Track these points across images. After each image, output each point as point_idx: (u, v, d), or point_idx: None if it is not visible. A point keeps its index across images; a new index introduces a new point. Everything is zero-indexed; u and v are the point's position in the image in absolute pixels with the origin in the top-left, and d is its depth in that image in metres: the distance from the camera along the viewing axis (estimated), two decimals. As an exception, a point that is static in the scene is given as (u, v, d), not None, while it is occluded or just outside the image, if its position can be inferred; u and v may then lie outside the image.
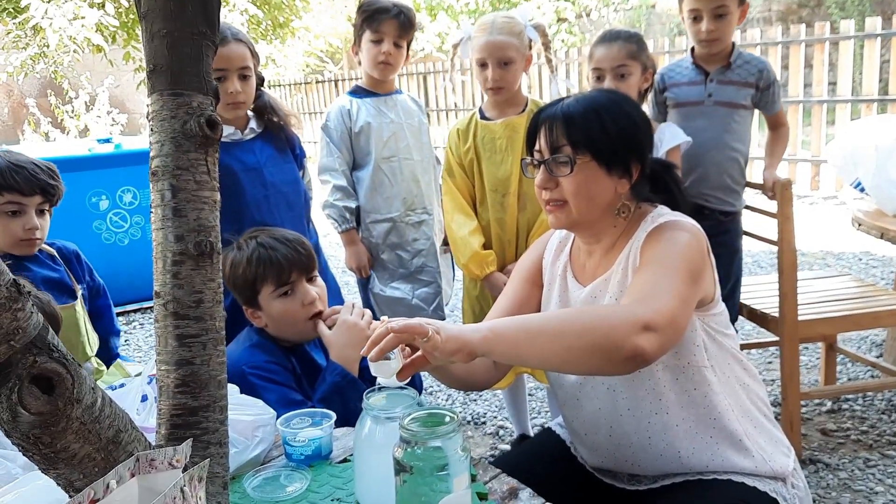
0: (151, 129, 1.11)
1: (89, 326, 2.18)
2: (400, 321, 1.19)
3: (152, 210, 1.11)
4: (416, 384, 1.85)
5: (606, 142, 1.38)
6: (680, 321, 1.25)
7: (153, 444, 1.06)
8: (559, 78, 2.54)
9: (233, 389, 1.49)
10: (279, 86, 13.98)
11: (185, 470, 0.88)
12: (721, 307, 1.43)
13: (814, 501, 2.21)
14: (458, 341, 1.16)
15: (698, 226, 1.39)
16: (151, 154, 1.10)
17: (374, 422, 1.24)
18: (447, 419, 1.12)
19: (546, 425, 1.70)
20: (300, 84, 13.63)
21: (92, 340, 2.19)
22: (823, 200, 6.44)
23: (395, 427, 1.16)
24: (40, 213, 2.02)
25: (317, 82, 13.06)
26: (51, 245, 2.18)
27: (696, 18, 2.42)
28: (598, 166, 1.38)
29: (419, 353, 1.22)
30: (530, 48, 2.34)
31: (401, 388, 1.27)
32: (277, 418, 1.42)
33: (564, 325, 1.19)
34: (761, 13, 11.41)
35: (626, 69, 2.26)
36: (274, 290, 1.69)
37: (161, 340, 1.09)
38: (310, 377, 1.70)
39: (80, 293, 2.16)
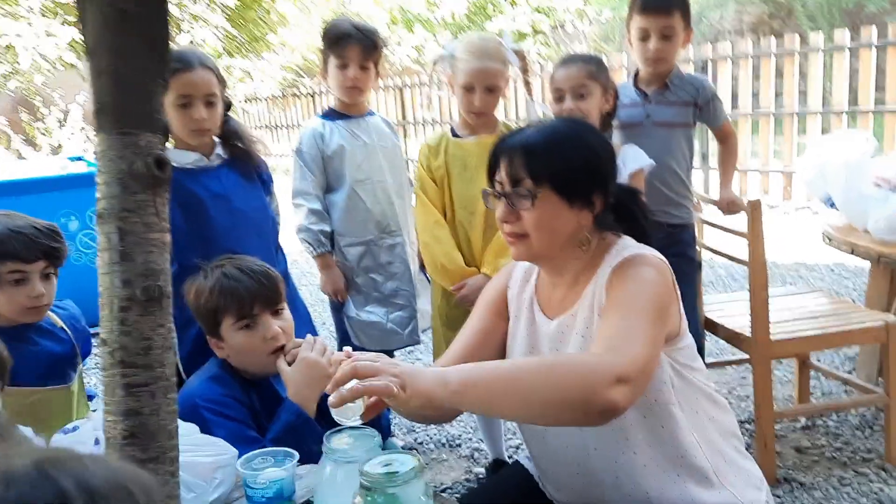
0: (99, 170, 1.08)
1: (83, 400, 2.08)
2: (365, 359, 1.17)
3: (99, 253, 1.07)
4: (383, 424, 1.81)
5: (568, 175, 1.36)
6: (650, 367, 1.24)
7: None
8: (536, 101, 2.54)
9: (191, 429, 1.45)
10: (256, 100, 13.92)
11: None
12: (688, 340, 1.42)
13: (789, 523, 2.20)
14: (424, 397, 1.14)
15: (662, 258, 1.38)
16: (98, 195, 1.07)
17: (335, 465, 1.21)
18: (408, 465, 1.09)
19: (515, 458, 1.67)
20: (277, 98, 13.57)
21: (82, 414, 2.04)
22: (795, 211, 6.48)
23: (355, 470, 1.13)
24: (45, 277, 1.89)
25: (294, 96, 13.01)
26: (57, 309, 2.04)
27: (644, 38, 2.47)
28: (559, 199, 1.36)
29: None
30: (509, 71, 2.36)
31: (362, 427, 1.24)
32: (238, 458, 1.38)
33: (536, 379, 1.16)
34: (733, 24, 11.52)
35: (586, 89, 2.27)
36: (235, 322, 1.65)
37: (108, 390, 1.05)
38: (271, 413, 1.66)
39: (80, 366, 2.06)
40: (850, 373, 3.08)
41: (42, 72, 8.64)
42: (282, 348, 1.65)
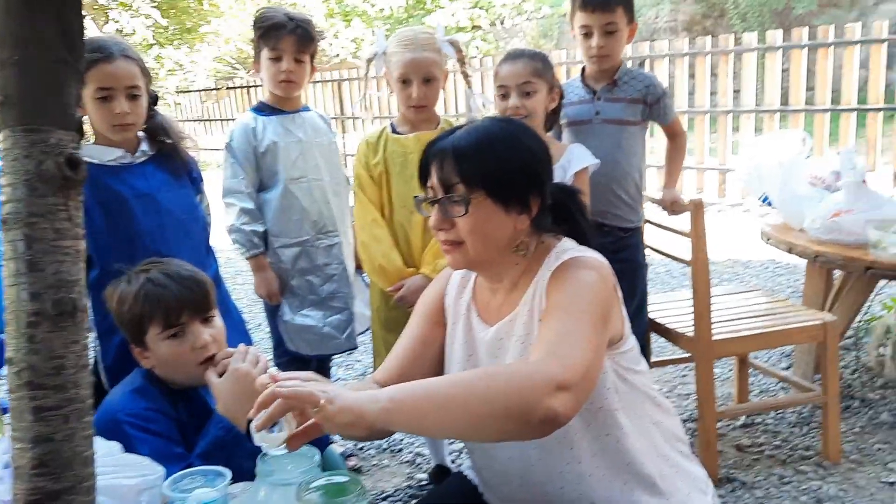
0: (3, 170, 0.97)
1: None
2: (289, 383, 1.09)
3: (3, 263, 0.96)
4: (324, 437, 1.72)
5: (501, 178, 1.30)
6: (593, 373, 1.18)
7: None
8: (476, 93, 2.48)
9: (113, 447, 1.35)
10: (188, 92, 13.54)
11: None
12: (631, 342, 1.38)
13: (732, 523, 2.20)
14: (352, 413, 1.05)
15: (603, 259, 1.34)
16: (3, 199, 0.97)
17: (270, 488, 1.13)
18: (350, 488, 1.02)
19: (458, 469, 1.61)
20: (211, 90, 13.23)
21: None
22: (730, 208, 6.61)
23: (291, 493, 1.05)
24: None
25: (228, 88, 12.71)
26: None
27: (587, 35, 2.44)
28: (493, 204, 1.30)
29: (312, 420, 1.11)
30: (446, 63, 2.30)
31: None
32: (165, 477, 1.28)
33: (472, 391, 1.09)
34: (668, 23, 11.72)
35: (531, 86, 2.22)
36: (162, 331, 1.54)
37: (16, 414, 0.95)
38: (201, 426, 1.55)
39: None
40: (786, 370, 3.12)
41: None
42: (212, 358, 1.55)
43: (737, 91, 6.82)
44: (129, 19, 12.19)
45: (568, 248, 1.36)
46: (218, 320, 1.62)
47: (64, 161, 0.96)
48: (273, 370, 1.24)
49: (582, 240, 1.41)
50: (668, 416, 1.44)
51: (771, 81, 6.46)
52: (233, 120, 12.18)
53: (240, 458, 1.46)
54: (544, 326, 1.23)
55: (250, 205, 2.41)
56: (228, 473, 1.28)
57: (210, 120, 13.12)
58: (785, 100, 6.49)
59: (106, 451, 1.34)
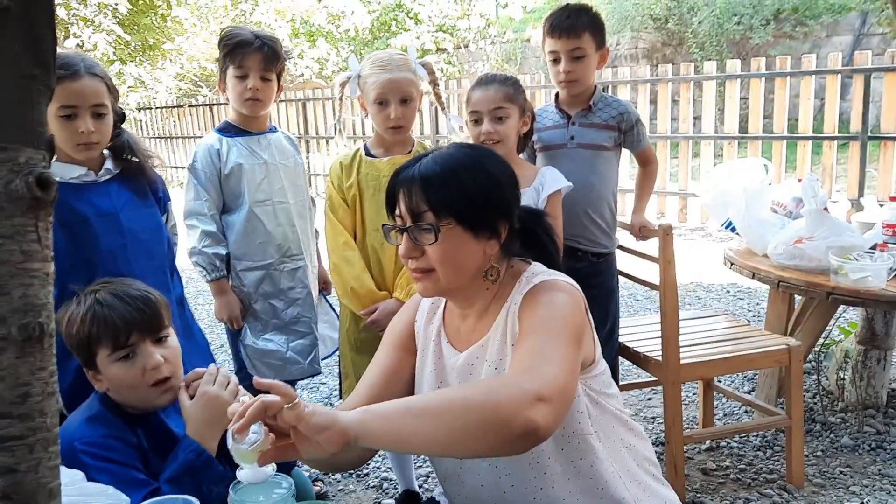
0: (-32, 189, 0.93)
1: None
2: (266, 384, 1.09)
3: (-33, 285, 0.92)
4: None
5: (469, 205, 1.30)
6: (570, 390, 1.19)
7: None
8: (451, 116, 2.48)
9: (76, 476, 1.30)
10: (149, 109, 13.37)
11: None
12: (602, 366, 1.39)
13: (700, 548, 2.21)
14: (326, 416, 1.05)
15: (574, 283, 1.35)
16: (-33, 218, 0.93)
17: (241, 517, 1.09)
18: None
19: (431, 496, 1.59)
20: (172, 108, 13.08)
21: None
22: (691, 232, 6.71)
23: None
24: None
25: (190, 106, 12.57)
26: None
27: (556, 60, 2.47)
28: (463, 231, 1.30)
29: (288, 441, 1.09)
30: (420, 85, 2.30)
31: (274, 474, 1.14)
32: (131, 508, 1.24)
33: (450, 402, 1.09)
34: (629, 50, 11.93)
35: (504, 111, 2.22)
36: (111, 353, 1.48)
37: (-24, 444, 0.91)
38: (161, 451, 1.50)
39: None
40: (750, 393, 3.15)
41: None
42: (166, 380, 1.51)
43: (697, 118, 6.96)
44: (90, 34, 12.02)
45: (538, 272, 1.36)
46: (172, 340, 1.57)
47: (34, 180, 0.93)
48: (244, 396, 1.21)
49: (551, 263, 1.41)
50: (640, 440, 1.45)
51: (730, 109, 6.60)
52: (195, 138, 12.06)
53: (210, 482, 1.42)
54: (519, 347, 1.23)
55: (213, 227, 2.37)
56: (196, 502, 1.24)
57: (171, 137, 12.95)
58: (744, 127, 6.64)
59: (69, 480, 1.29)
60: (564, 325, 1.23)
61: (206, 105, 12.18)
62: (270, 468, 1.12)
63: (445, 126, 2.50)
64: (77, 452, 1.40)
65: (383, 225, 1.40)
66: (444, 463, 1.42)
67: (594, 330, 1.38)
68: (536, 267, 1.39)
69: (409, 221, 1.32)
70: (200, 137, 2.53)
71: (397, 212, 1.35)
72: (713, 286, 5.05)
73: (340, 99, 2.38)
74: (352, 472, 2.78)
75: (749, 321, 3.91)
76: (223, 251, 2.39)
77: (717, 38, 10.65)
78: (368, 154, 2.29)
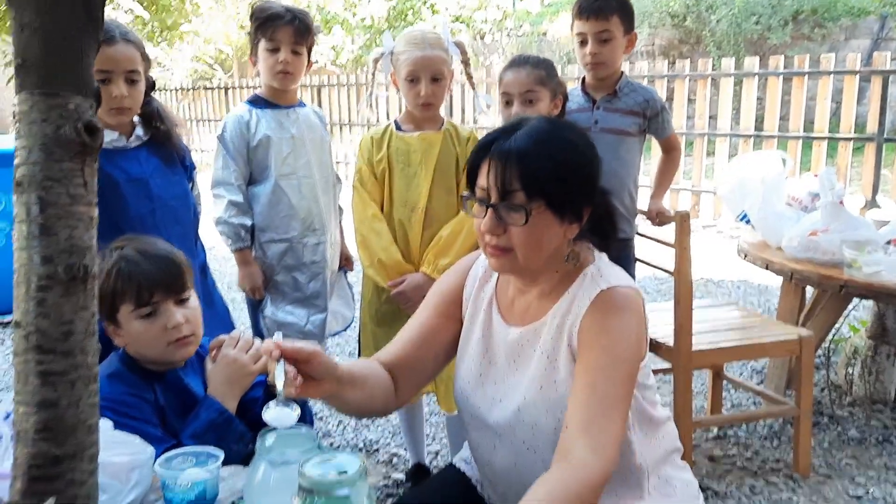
0: (18, 133, 0.97)
1: None
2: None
3: (15, 226, 0.96)
4: (307, 421, 1.72)
5: (562, 188, 1.26)
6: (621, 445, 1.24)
7: (5, 497, 0.91)
8: (480, 94, 2.50)
9: (106, 425, 1.33)
10: (165, 90, 13.41)
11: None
12: (647, 357, 1.39)
13: (705, 531, 2.23)
14: None
15: (635, 286, 1.34)
16: (17, 161, 0.96)
17: (269, 466, 1.12)
18: (352, 466, 1.02)
19: (450, 462, 1.61)
20: (188, 90, 13.11)
21: None
22: (703, 229, 6.72)
23: (291, 472, 1.05)
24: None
25: (205, 89, 12.60)
26: None
27: (583, 42, 2.50)
28: (552, 214, 1.27)
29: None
30: (452, 64, 2.31)
31: (297, 426, 1.17)
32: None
33: None
34: (646, 47, 11.90)
35: (535, 94, 2.24)
36: (134, 309, 1.52)
37: (21, 378, 0.94)
38: (178, 409, 1.53)
39: None
40: (759, 384, 3.17)
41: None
42: (184, 339, 1.54)
43: (713, 116, 6.95)
44: (109, 11, 12.05)
45: (604, 269, 1.34)
46: (193, 301, 1.60)
47: (83, 126, 0.96)
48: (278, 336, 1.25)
49: (606, 248, 1.41)
50: (668, 427, 1.46)
51: (746, 107, 6.59)
52: (209, 121, 12.07)
53: (230, 440, 1.46)
54: (582, 385, 1.23)
55: (239, 198, 2.40)
56: (221, 454, 1.28)
57: (186, 120, 12.98)
58: (760, 126, 6.63)
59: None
60: (626, 362, 1.25)
61: (221, 88, 12.21)
62: (295, 413, 1.15)
63: (474, 105, 2.50)
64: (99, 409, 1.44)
65: (462, 195, 1.36)
66: (482, 433, 1.43)
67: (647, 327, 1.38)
68: (601, 261, 1.37)
69: (496, 197, 1.27)
70: (215, 120, 2.56)
71: (480, 184, 1.30)
72: (724, 282, 5.06)
73: (373, 75, 2.40)
74: (362, 447, 2.83)
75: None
76: (248, 221, 2.42)
77: (735, 37, 10.62)
78: (399, 129, 2.30)
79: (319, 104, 10.36)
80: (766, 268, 2.83)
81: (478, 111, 2.45)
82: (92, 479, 0.96)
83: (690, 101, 7.06)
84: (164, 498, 1.25)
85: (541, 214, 1.26)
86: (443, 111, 2.35)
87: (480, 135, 1.55)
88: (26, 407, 0.93)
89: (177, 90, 13.30)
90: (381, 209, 2.29)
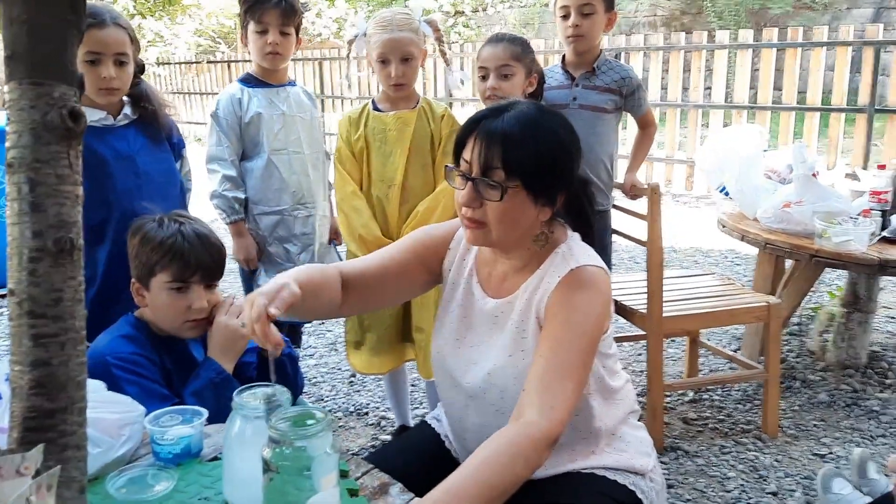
0: (9, 119, 1.07)
1: None
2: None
3: (7, 203, 1.06)
4: (298, 383, 1.85)
5: (539, 173, 1.34)
6: (574, 409, 1.30)
7: (4, 447, 1.03)
8: (454, 69, 2.59)
9: (98, 385, 1.44)
10: (168, 64, 13.45)
11: (35, 477, 0.86)
12: (610, 329, 1.48)
13: (672, 487, 2.35)
14: None
15: (605, 267, 1.41)
16: (8, 144, 1.06)
17: (243, 420, 1.24)
18: (314, 419, 1.13)
19: (423, 419, 1.73)
20: (191, 63, 13.15)
21: None
22: (696, 200, 6.79)
23: (263, 425, 1.16)
24: None
25: (208, 62, 12.64)
26: None
27: (565, 16, 2.58)
28: (526, 195, 1.35)
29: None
30: (424, 43, 2.40)
31: (272, 385, 1.27)
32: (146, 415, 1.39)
33: (493, 489, 1.18)
34: (647, 17, 11.88)
35: (510, 69, 2.34)
36: (170, 280, 1.66)
37: (15, 340, 1.05)
38: (182, 372, 1.67)
39: None
40: (735, 351, 3.28)
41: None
42: (200, 321, 1.67)
43: (708, 87, 6.99)
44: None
45: (575, 248, 1.43)
46: (218, 290, 1.74)
47: (67, 113, 1.06)
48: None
49: (586, 229, 1.49)
50: (626, 391, 1.55)
51: (741, 79, 6.63)
52: (212, 94, 12.09)
53: (227, 398, 1.58)
54: (542, 352, 1.32)
55: (232, 172, 2.51)
56: (205, 413, 1.40)
57: (189, 93, 13.03)
58: (754, 98, 6.67)
59: (91, 389, 1.44)
60: (586, 336, 1.33)
61: (224, 62, 12.25)
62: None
63: (448, 80, 2.60)
64: (109, 366, 1.56)
65: (447, 166, 1.43)
66: (453, 395, 1.52)
67: (613, 303, 1.46)
68: (573, 240, 1.45)
69: (477, 172, 1.35)
70: (218, 94, 2.65)
71: (465, 156, 1.38)
72: (712, 251, 5.16)
73: (348, 56, 2.50)
74: (352, 410, 2.95)
75: (743, 285, 4.02)
76: (242, 195, 2.53)
77: (736, 7, 10.58)
78: (375, 108, 2.40)
79: (321, 78, 10.40)
80: (742, 238, 2.93)
81: (451, 87, 2.54)
82: (81, 430, 1.07)
83: (686, 72, 7.10)
84: (152, 451, 1.37)
85: (516, 194, 1.34)
86: (420, 85, 2.45)
87: (455, 110, 1.63)
88: (21, 366, 1.04)
89: (180, 64, 13.33)
90: (361, 186, 2.39)
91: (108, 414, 1.38)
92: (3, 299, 4.44)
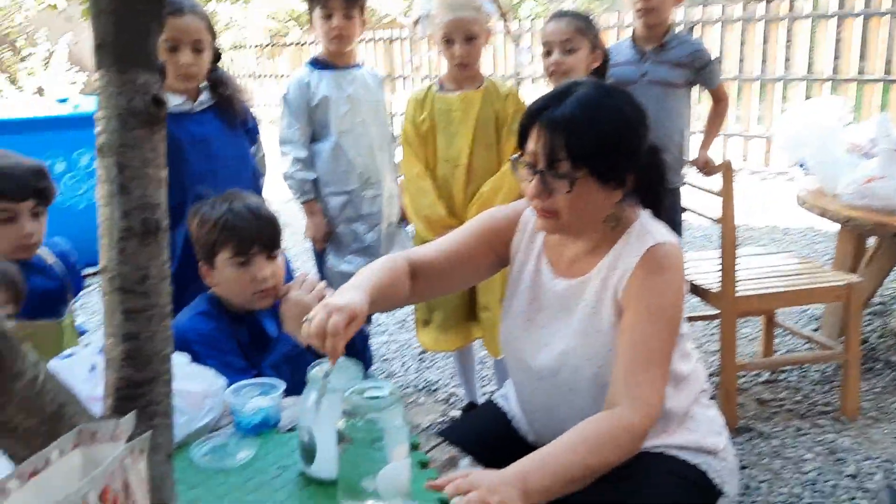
0: (99, 105, 1.13)
1: (74, 335, 2.11)
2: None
3: (98, 185, 1.12)
4: (367, 358, 1.90)
5: (606, 157, 1.33)
6: (663, 396, 1.32)
7: (99, 414, 1.09)
8: (521, 47, 2.60)
9: (183, 359, 1.52)
10: (242, 48, 13.74)
11: (128, 442, 0.92)
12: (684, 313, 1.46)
13: (746, 468, 2.32)
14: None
15: (676, 241, 1.40)
16: (98, 130, 1.12)
17: (318, 393, 1.28)
18: (385, 393, 1.17)
19: (490, 398, 1.75)
20: (264, 47, 13.40)
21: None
22: (775, 176, 6.58)
23: (338, 399, 1.20)
24: (34, 216, 1.92)
25: (282, 45, 12.86)
26: (48, 247, 2.07)
27: None
28: (595, 181, 1.34)
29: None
30: (489, 22, 2.40)
31: (345, 358, 1.31)
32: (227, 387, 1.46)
33: (590, 467, 1.21)
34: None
35: (573, 44, 2.33)
36: (231, 257, 1.72)
37: (108, 314, 1.11)
38: (258, 346, 1.73)
39: (71, 302, 2.09)
40: (814, 332, 3.19)
41: (20, 11, 8.51)
42: (269, 291, 1.73)
43: (788, 59, 6.74)
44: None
45: (647, 225, 1.41)
46: (280, 259, 1.80)
47: (150, 99, 1.12)
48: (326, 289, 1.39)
49: (656, 204, 1.47)
50: (697, 370, 1.54)
51: (823, 50, 6.37)
52: (285, 77, 12.29)
53: (302, 371, 1.64)
54: (627, 337, 1.32)
55: (303, 154, 2.57)
56: (282, 385, 1.46)
57: (263, 76, 13.30)
58: (837, 69, 6.40)
59: (177, 362, 1.52)
60: (671, 326, 1.34)
61: (296, 44, 12.43)
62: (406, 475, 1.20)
63: (517, 57, 2.61)
64: (190, 342, 1.64)
65: (512, 157, 1.44)
66: (528, 374, 1.51)
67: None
68: (643, 217, 1.43)
69: (543, 164, 1.34)
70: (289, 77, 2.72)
71: (529, 148, 1.36)
72: (791, 230, 5.01)
73: (412, 38, 2.52)
74: (423, 387, 3.00)
75: (823, 265, 3.89)
76: (312, 176, 2.60)
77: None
78: (441, 89, 2.42)
79: (391, 58, 10.45)
80: (822, 215, 2.84)
81: (519, 64, 2.54)
82: (167, 400, 1.14)
83: (765, 44, 6.85)
84: (234, 421, 1.44)
85: (585, 182, 1.33)
86: (490, 63, 2.46)
87: (525, 87, 1.62)
88: (113, 338, 1.11)
89: (254, 47, 13.60)
90: (427, 167, 2.41)
91: (193, 386, 1.45)
92: (94, 277, 4.67)
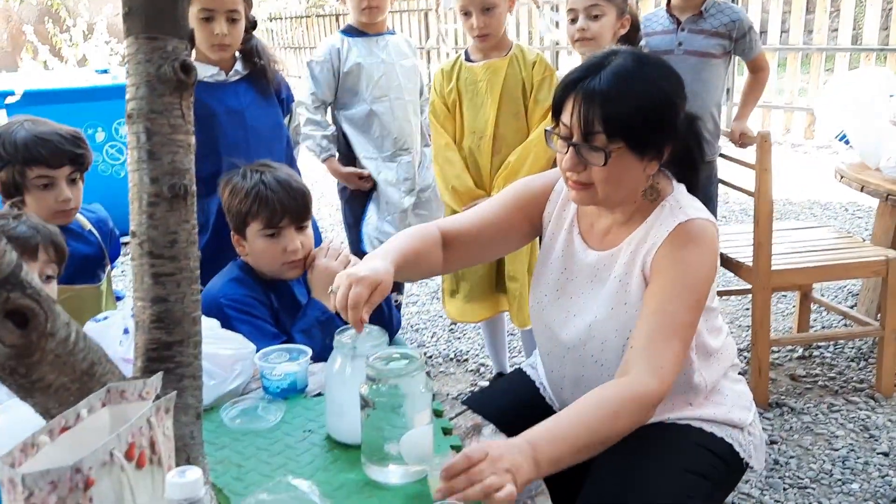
0: (128, 72, 1.14)
1: (112, 299, 2.16)
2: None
3: (128, 151, 1.14)
4: (394, 324, 1.91)
5: (643, 130, 1.30)
6: (680, 367, 1.30)
7: (130, 375, 1.12)
8: (545, 12, 2.56)
9: (213, 324, 1.55)
10: (279, 19, 13.76)
11: (155, 401, 0.94)
12: (714, 281, 1.44)
13: (775, 443, 2.30)
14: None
15: (711, 219, 1.38)
16: (127, 97, 1.13)
17: (343, 359, 1.30)
18: (408, 359, 1.18)
19: (518, 366, 1.76)
20: (301, 18, 13.40)
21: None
22: (816, 150, 6.43)
23: (362, 364, 1.22)
24: (71, 182, 1.96)
25: (317, 16, 12.85)
26: (86, 213, 2.12)
27: None
28: (631, 153, 1.32)
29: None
30: None
31: (370, 325, 1.32)
32: (256, 352, 1.48)
33: (597, 435, 1.20)
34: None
35: (599, 9, 2.27)
36: (262, 228, 1.74)
37: (138, 278, 1.14)
38: (288, 312, 1.76)
39: (108, 267, 2.14)
40: (851, 308, 3.14)
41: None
42: (300, 261, 1.76)
43: (834, 30, 6.55)
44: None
45: (681, 199, 1.39)
46: (310, 230, 1.82)
47: (179, 66, 1.13)
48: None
49: (692, 174, 1.45)
50: (727, 345, 1.53)
51: (871, 19, 6.16)
52: (320, 48, 12.31)
53: (332, 336, 1.67)
54: (650, 308, 1.31)
55: (317, 116, 2.62)
56: (309, 351, 1.48)
57: (300, 48, 13.32)
58: (885, 40, 6.20)
59: (207, 327, 1.55)
60: (697, 298, 1.31)
61: (333, 15, 12.41)
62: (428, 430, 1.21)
63: (542, 21, 2.58)
64: (223, 307, 1.68)
65: (546, 129, 1.42)
66: (555, 343, 1.51)
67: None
68: (678, 191, 1.41)
69: (578, 137, 1.32)
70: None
71: (564, 120, 1.34)
72: (831, 204, 4.90)
73: (437, 11, 2.52)
74: (452, 357, 3.02)
75: (864, 239, 3.82)
76: (328, 132, 2.64)
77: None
78: (468, 59, 2.40)
79: (427, 28, 10.38)
80: (862, 189, 2.78)
81: (543, 30, 2.51)
82: (196, 362, 1.16)
83: (810, 13, 6.66)
84: (262, 385, 1.46)
85: (621, 155, 1.31)
86: (525, 33, 2.42)
87: (563, 58, 1.59)
88: (143, 302, 1.13)
89: (291, 19, 13.61)
90: (454, 138, 2.40)
91: (223, 350, 1.48)
92: (126, 247, 4.77)
